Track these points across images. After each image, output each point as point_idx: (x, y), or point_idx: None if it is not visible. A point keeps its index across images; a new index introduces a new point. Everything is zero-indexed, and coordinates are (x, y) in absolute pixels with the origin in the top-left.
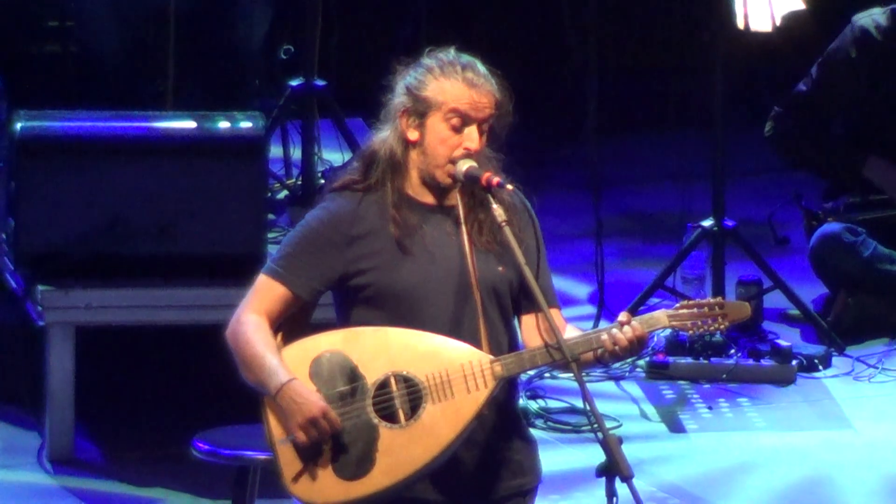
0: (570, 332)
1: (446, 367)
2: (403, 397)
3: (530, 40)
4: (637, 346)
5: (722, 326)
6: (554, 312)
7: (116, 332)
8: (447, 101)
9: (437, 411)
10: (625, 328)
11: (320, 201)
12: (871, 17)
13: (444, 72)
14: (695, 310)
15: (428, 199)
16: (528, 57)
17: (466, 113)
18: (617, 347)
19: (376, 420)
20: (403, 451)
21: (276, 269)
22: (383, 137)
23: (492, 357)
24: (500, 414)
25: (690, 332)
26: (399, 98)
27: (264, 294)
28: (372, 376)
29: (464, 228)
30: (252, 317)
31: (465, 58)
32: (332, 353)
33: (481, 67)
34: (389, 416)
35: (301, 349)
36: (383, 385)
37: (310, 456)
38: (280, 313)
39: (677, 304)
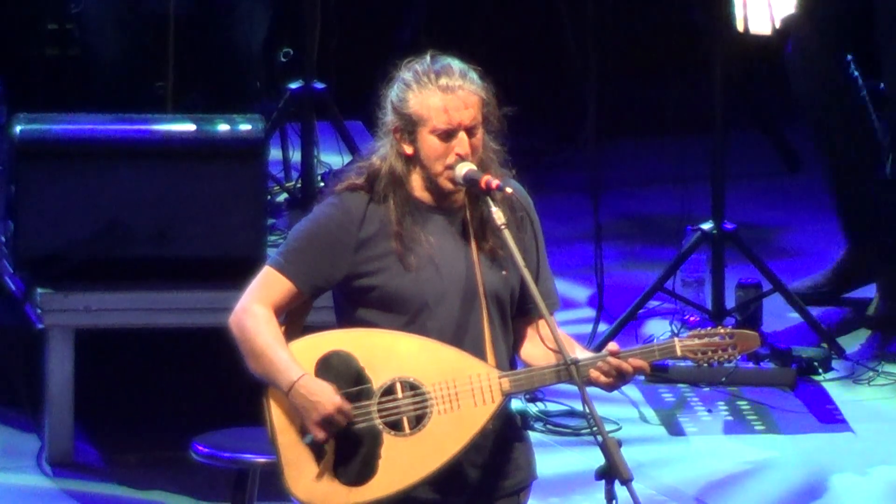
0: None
1: (454, 378)
2: (409, 405)
3: (530, 44)
4: (631, 377)
5: (732, 357)
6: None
7: (116, 335)
8: (429, 116)
9: (442, 423)
10: (630, 360)
11: (328, 198)
12: None
13: (421, 85)
14: (706, 339)
15: (434, 201)
16: (528, 60)
17: (449, 125)
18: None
19: (381, 427)
20: (406, 460)
21: (282, 261)
22: (383, 154)
23: (500, 372)
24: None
25: (700, 361)
26: (389, 115)
27: (269, 286)
28: (378, 380)
29: (471, 234)
30: (260, 308)
31: (440, 62)
32: (340, 352)
33: (457, 67)
34: (393, 424)
35: (308, 345)
36: (389, 390)
37: (313, 458)
38: (284, 306)
39: (689, 333)
